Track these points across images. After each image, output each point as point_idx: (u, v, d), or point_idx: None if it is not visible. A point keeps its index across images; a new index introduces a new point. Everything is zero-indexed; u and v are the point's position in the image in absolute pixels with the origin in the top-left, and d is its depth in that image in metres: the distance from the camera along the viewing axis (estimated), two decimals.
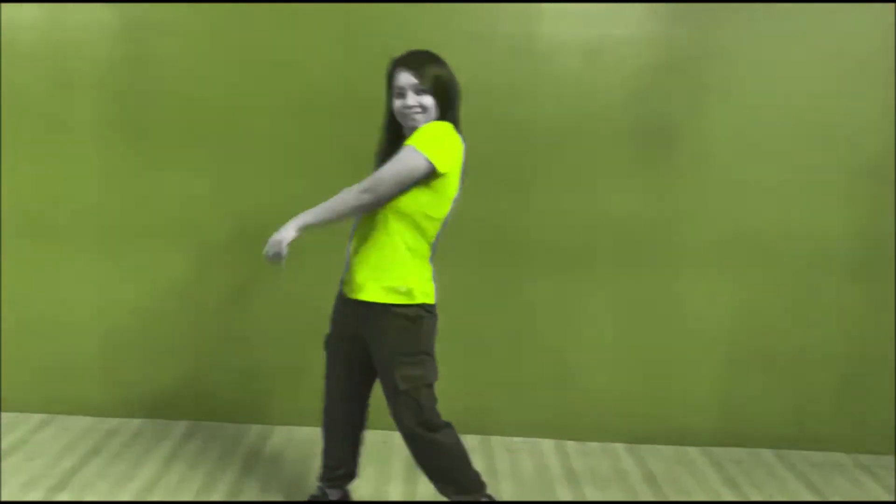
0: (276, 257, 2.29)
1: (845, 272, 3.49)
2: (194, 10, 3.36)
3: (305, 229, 2.28)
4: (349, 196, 2.26)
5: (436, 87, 2.32)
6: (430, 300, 2.42)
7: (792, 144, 3.40)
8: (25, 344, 3.62)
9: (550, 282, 3.52)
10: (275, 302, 3.56)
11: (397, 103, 2.36)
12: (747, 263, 3.49)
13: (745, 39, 3.33)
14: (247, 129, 3.44)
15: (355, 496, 2.95)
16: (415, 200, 2.30)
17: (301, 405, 3.57)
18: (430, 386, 2.44)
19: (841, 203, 3.44)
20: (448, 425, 2.47)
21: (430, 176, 2.27)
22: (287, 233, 2.27)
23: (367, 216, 2.38)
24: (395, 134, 2.47)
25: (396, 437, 3.51)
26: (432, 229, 2.38)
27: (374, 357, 2.46)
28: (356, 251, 2.43)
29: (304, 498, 2.94)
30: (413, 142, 2.25)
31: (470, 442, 3.51)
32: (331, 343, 2.62)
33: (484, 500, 2.56)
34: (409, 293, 2.35)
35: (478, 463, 3.32)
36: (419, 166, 2.23)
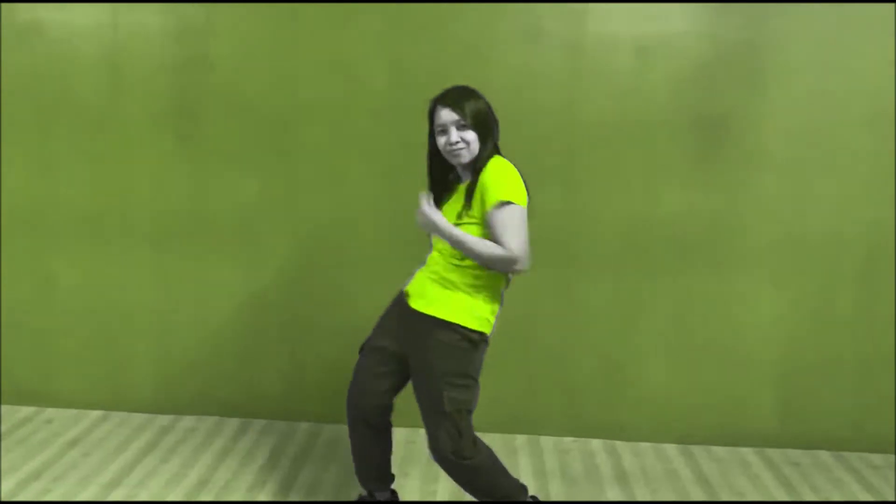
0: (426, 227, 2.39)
1: None
2: (247, 11, 3.39)
3: (437, 231, 2.34)
4: (494, 251, 2.28)
5: (476, 121, 2.37)
6: (488, 331, 2.45)
7: (847, 140, 3.30)
8: (82, 342, 3.70)
9: (602, 281, 3.47)
10: (324, 301, 3.58)
11: (441, 140, 2.41)
12: (805, 262, 3.39)
13: (798, 31, 3.24)
14: (298, 131, 3.47)
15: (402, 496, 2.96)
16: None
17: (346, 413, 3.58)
18: (470, 413, 2.44)
19: None
20: (478, 447, 2.45)
21: None
22: (438, 218, 2.33)
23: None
24: (440, 173, 2.53)
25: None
26: None
27: (421, 376, 2.45)
28: (431, 268, 2.48)
29: (354, 496, 2.95)
30: (498, 196, 2.28)
31: (518, 441, 3.50)
32: (367, 350, 2.61)
33: (529, 501, 2.56)
34: (478, 318, 2.40)
35: (526, 462, 3.30)
36: (522, 212, 2.31)
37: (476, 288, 2.40)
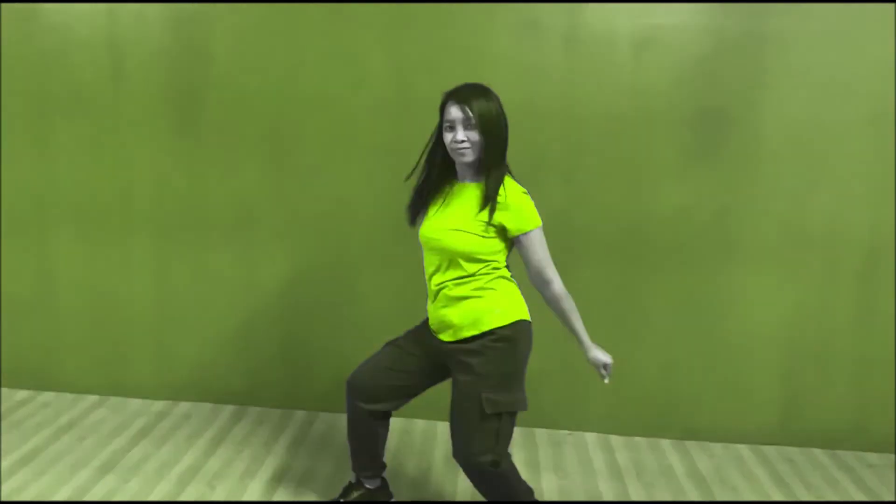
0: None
1: None
2: (247, 2, 3.39)
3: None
4: (571, 300, 2.46)
5: (482, 123, 2.33)
6: (517, 317, 2.44)
7: (849, 136, 3.27)
8: (82, 328, 3.72)
9: (601, 275, 3.46)
10: (321, 291, 3.58)
11: (447, 136, 2.38)
12: (806, 259, 3.38)
13: (798, 27, 3.22)
14: (298, 123, 3.46)
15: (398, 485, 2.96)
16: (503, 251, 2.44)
17: (345, 392, 3.58)
18: (513, 416, 2.40)
19: None
20: (508, 454, 2.43)
21: None
22: (603, 356, 2.51)
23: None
24: (438, 167, 2.50)
25: (440, 427, 3.53)
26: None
27: (463, 389, 2.40)
28: (438, 297, 2.47)
29: (346, 482, 2.95)
30: (525, 225, 2.35)
31: (515, 434, 3.49)
32: (392, 345, 2.61)
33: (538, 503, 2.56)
34: (501, 314, 2.42)
35: (520, 454, 3.30)
36: (542, 234, 2.41)
37: (481, 290, 2.38)
